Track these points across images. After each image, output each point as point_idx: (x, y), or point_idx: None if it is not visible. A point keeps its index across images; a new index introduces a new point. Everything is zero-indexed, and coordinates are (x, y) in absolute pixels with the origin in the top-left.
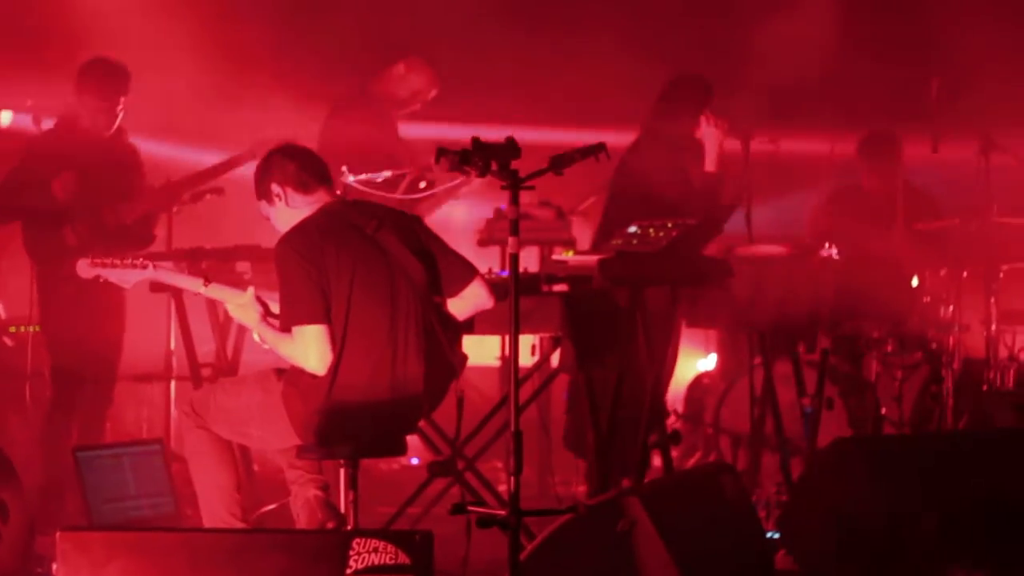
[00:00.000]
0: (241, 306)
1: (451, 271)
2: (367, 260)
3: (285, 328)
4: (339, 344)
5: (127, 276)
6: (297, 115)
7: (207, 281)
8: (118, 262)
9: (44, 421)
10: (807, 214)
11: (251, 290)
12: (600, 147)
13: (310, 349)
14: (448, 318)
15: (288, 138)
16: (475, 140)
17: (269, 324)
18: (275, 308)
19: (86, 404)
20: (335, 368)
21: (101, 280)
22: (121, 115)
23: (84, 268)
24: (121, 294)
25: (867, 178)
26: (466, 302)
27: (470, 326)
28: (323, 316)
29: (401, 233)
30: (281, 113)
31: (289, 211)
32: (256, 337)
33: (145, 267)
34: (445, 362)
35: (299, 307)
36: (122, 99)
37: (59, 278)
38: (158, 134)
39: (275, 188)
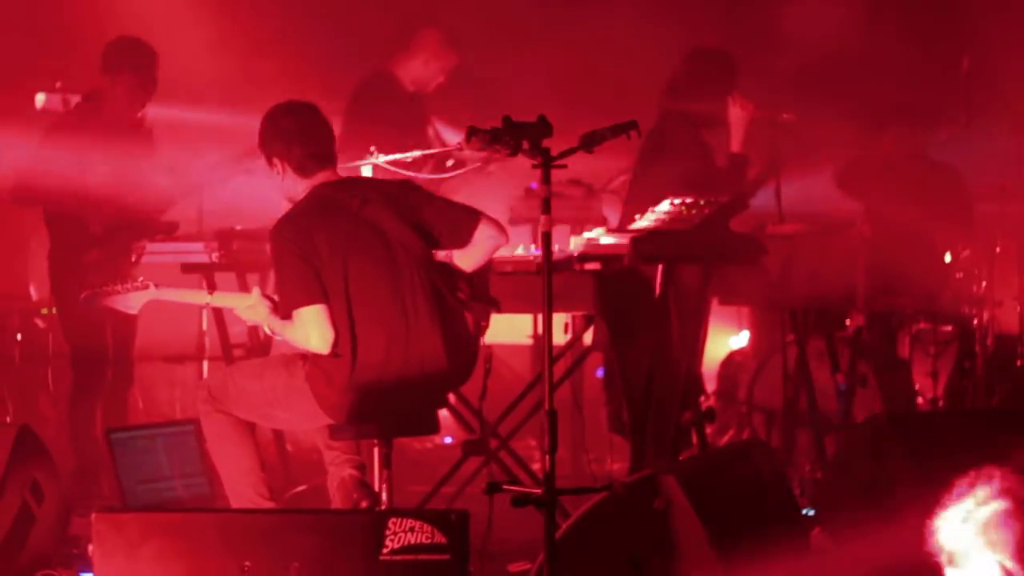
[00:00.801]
0: (250, 307)
1: (455, 222)
2: (357, 238)
3: (285, 315)
4: (348, 322)
5: (131, 301)
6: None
7: (211, 290)
8: (119, 288)
9: (69, 404)
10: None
11: (256, 290)
12: (632, 124)
13: (310, 329)
14: (459, 281)
15: None
16: (506, 119)
17: (277, 316)
18: None
19: (108, 386)
20: (352, 346)
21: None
22: (154, 91)
23: (88, 303)
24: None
25: (891, 149)
26: (479, 247)
27: (496, 303)
28: (319, 296)
29: (390, 204)
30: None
31: (288, 181)
32: (267, 330)
33: (147, 287)
34: (464, 327)
35: (294, 291)
36: (156, 74)
37: (77, 264)
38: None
39: (276, 161)
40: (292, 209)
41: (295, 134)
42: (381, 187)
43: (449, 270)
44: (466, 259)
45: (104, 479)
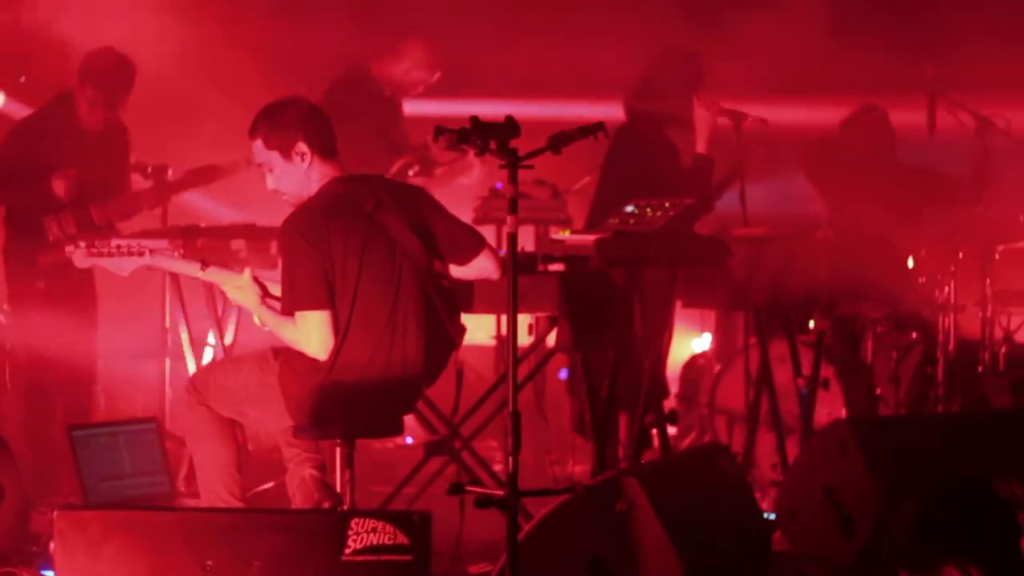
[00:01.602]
0: (239, 288)
1: (459, 240)
2: (372, 244)
3: (287, 312)
4: (343, 329)
5: (123, 264)
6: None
7: (204, 265)
8: (114, 250)
9: (24, 401)
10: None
11: (248, 271)
12: (599, 126)
13: (312, 335)
14: (448, 291)
15: None
16: (474, 119)
17: (269, 306)
18: (273, 289)
19: (66, 384)
20: (336, 352)
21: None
22: (123, 108)
23: (80, 258)
24: (91, 280)
25: (859, 147)
26: (472, 270)
27: (468, 304)
28: (327, 302)
29: (401, 209)
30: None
31: (302, 175)
32: (257, 320)
33: (142, 254)
34: (444, 337)
35: (303, 292)
36: (124, 96)
37: (32, 264)
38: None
39: (301, 147)
40: (308, 203)
41: (314, 118)
42: (394, 189)
43: (442, 285)
44: (456, 273)
45: (63, 476)
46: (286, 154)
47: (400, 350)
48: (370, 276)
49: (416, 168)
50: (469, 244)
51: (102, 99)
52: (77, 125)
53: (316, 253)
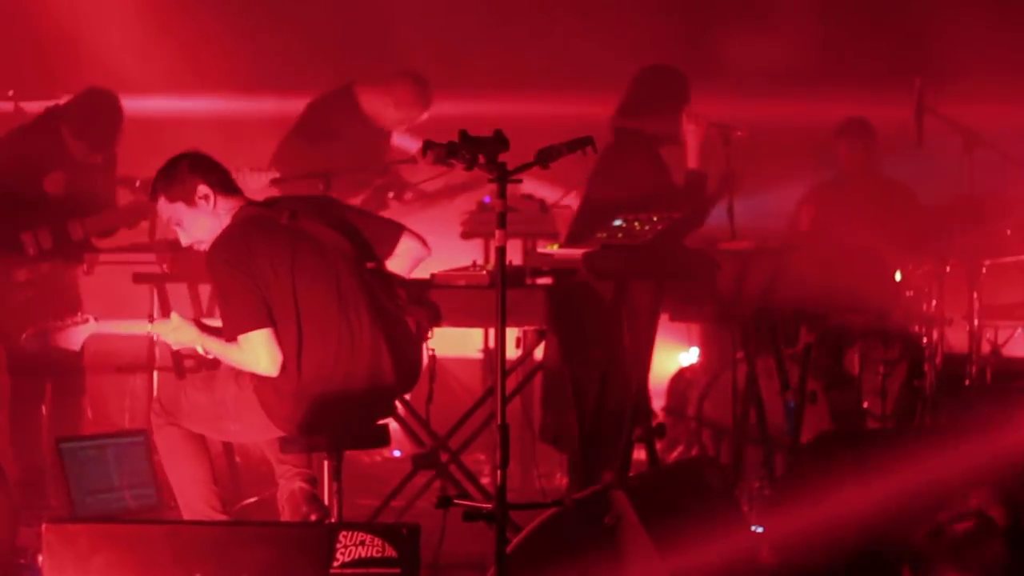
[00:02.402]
0: (175, 330)
1: (377, 234)
2: (297, 252)
3: (230, 339)
4: (296, 337)
5: (72, 336)
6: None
7: (151, 319)
8: (59, 324)
9: (9, 413)
10: (792, 210)
11: (174, 314)
12: (588, 140)
13: (260, 353)
14: (391, 280)
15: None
16: (462, 132)
17: (210, 335)
18: (209, 323)
19: (52, 396)
20: (298, 356)
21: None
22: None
23: (30, 343)
24: (76, 287)
25: (844, 161)
26: (402, 259)
27: (436, 317)
28: (265, 319)
29: (317, 213)
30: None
31: (210, 216)
32: (200, 349)
33: (87, 321)
34: (405, 330)
35: (240, 315)
36: (111, 143)
37: (10, 285)
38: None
39: (202, 189)
40: (226, 231)
41: (205, 162)
42: (305, 200)
43: (383, 274)
44: (390, 267)
45: (50, 488)
46: (190, 201)
47: (362, 347)
48: (306, 282)
49: (392, 193)
50: (387, 234)
51: (87, 149)
52: (62, 145)
53: (244, 275)
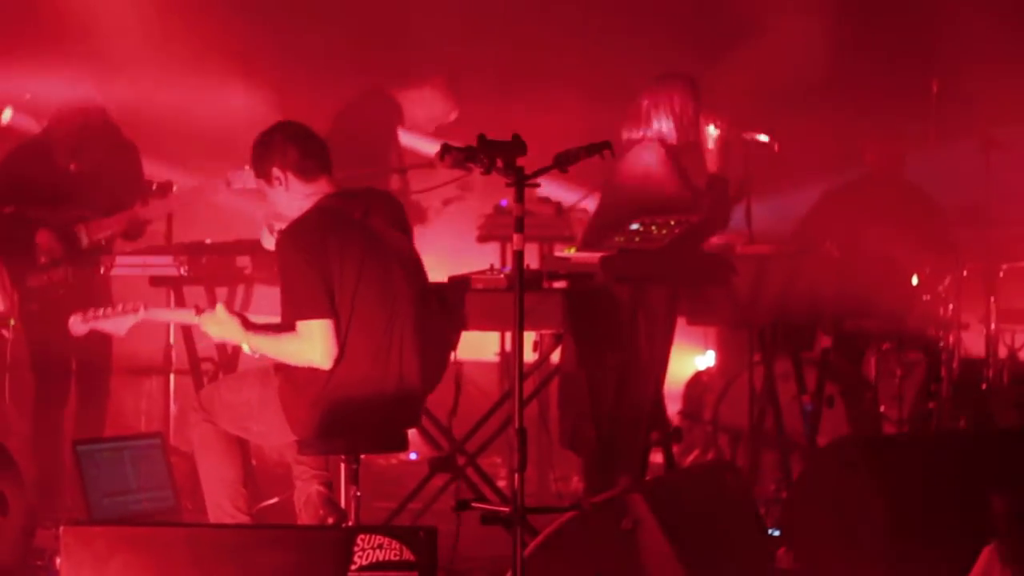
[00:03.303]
0: (219, 323)
1: None
2: (368, 254)
3: (288, 323)
4: (342, 339)
5: (120, 324)
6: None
7: (199, 310)
8: (110, 311)
9: (32, 415)
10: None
11: (220, 305)
12: (606, 145)
13: (316, 344)
14: (437, 297)
15: None
16: (481, 137)
17: (255, 331)
18: (252, 318)
19: (77, 397)
20: (336, 362)
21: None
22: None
23: (77, 326)
24: (107, 287)
25: (868, 164)
26: None
27: (463, 321)
28: (329, 310)
29: (390, 216)
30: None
31: (288, 197)
32: (246, 349)
33: (136, 311)
34: (442, 337)
35: (304, 302)
36: (97, 146)
37: (25, 292)
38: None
39: (276, 172)
40: (302, 217)
41: (289, 141)
42: (379, 197)
43: (427, 283)
44: None
45: (67, 490)
46: (269, 182)
47: (398, 359)
48: (368, 284)
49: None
50: None
51: (73, 162)
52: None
53: (314, 263)
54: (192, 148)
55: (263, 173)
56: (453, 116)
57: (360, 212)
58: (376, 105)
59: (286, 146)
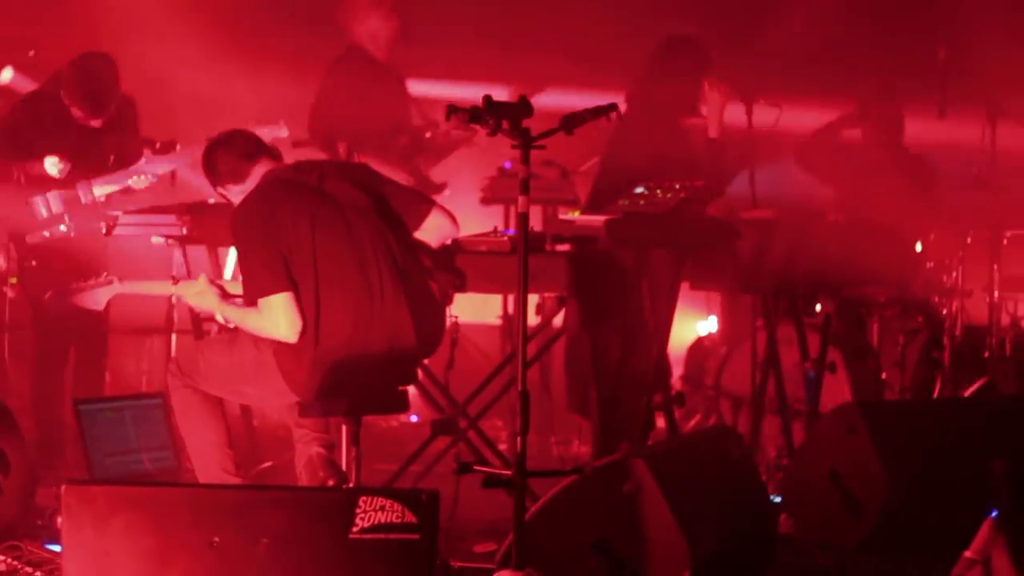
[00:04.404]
0: (199, 294)
1: (407, 207)
2: (322, 216)
3: (251, 302)
4: (314, 302)
5: (96, 296)
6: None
7: (175, 280)
8: (84, 285)
9: (33, 374)
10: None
11: (202, 276)
12: (612, 107)
13: (279, 318)
14: (420, 248)
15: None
16: (487, 98)
17: (230, 302)
18: (232, 288)
19: (75, 357)
20: (316, 320)
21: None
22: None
23: (53, 303)
24: (102, 246)
25: (868, 129)
26: (429, 234)
27: (463, 283)
28: (286, 283)
29: (348, 178)
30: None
31: (239, 195)
32: (220, 318)
33: (110, 283)
34: (429, 294)
35: (261, 278)
36: (110, 100)
37: (24, 248)
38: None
39: (221, 191)
40: (251, 193)
41: (217, 159)
42: (336, 164)
43: (408, 239)
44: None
45: (68, 450)
46: (222, 184)
47: (381, 312)
48: (327, 242)
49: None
50: (417, 207)
51: (87, 114)
52: (65, 111)
53: (266, 237)
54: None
55: (218, 179)
56: (395, 23)
57: (315, 178)
58: (365, 68)
59: (215, 165)
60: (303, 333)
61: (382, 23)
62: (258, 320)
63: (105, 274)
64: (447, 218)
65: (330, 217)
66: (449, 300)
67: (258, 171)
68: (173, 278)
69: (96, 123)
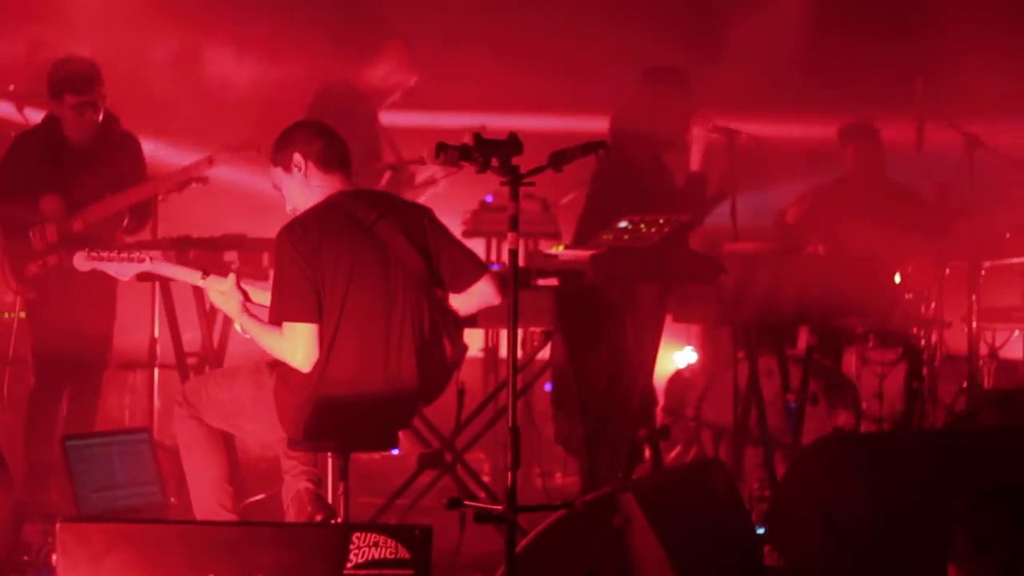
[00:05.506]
0: (223, 293)
1: (459, 265)
2: (364, 255)
3: (275, 322)
4: (329, 339)
5: (124, 269)
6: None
7: (205, 273)
8: (115, 255)
9: (29, 408)
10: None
11: (232, 276)
12: (601, 144)
13: (299, 347)
14: (447, 311)
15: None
16: (476, 135)
17: (251, 315)
18: (257, 297)
19: (70, 392)
20: (324, 363)
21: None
22: (104, 103)
23: (81, 261)
24: (112, 284)
25: (850, 164)
26: (471, 298)
27: (472, 319)
28: (315, 315)
29: (403, 225)
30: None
31: (302, 185)
32: (238, 327)
33: (143, 260)
34: (442, 356)
35: (292, 303)
36: (100, 88)
37: (23, 281)
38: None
39: (297, 158)
40: (306, 213)
41: (315, 133)
42: (398, 205)
43: (443, 305)
44: (455, 305)
45: (54, 485)
46: (286, 168)
47: (395, 363)
48: (360, 289)
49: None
50: (470, 270)
51: (85, 99)
52: (65, 141)
53: (307, 265)
54: (177, 128)
55: (282, 159)
56: (413, 81)
57: (372, 217)
58: (347, 100)
59: (311, 136)
60: (308, 373)
61: (397, 87)
62: (277, 342)
63: (139, 252)
64: (494, 288)
65: (371, 268)
66: (459, 365)
67: (328, 184)
68: (204, 270)
69: (95, 114)
